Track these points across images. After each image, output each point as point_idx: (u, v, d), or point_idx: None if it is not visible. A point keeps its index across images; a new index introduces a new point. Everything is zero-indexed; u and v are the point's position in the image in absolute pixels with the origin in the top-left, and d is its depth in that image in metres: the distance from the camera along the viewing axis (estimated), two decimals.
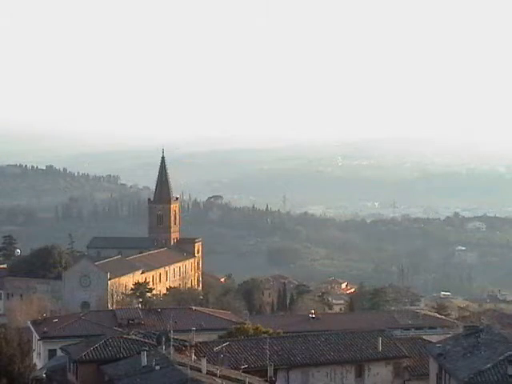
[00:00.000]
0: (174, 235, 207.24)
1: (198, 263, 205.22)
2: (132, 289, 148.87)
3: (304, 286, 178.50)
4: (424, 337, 72.68)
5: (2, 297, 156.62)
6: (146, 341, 58.53)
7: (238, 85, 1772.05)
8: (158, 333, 59.80)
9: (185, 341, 57.50)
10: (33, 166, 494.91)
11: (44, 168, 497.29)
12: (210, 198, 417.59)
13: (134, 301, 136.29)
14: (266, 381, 54.86)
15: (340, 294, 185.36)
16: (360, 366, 62.72)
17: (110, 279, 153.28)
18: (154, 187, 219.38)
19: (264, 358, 58.04)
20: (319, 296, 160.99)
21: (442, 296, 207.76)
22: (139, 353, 53.54)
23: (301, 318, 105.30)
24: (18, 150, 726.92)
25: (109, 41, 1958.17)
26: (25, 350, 64.45)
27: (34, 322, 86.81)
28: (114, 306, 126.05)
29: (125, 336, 60.32)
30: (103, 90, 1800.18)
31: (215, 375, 49.65)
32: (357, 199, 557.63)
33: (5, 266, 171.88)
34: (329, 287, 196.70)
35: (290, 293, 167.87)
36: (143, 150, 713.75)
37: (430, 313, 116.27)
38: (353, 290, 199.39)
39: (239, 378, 51.15)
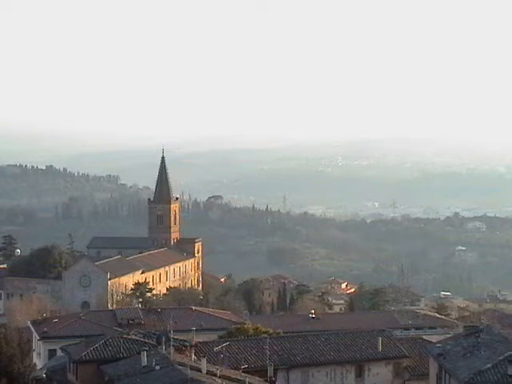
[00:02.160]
0: (174, 235, 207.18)
1: (198, 263, 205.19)
2: (132, 289, 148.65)
3: (304, 286, 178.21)
4: (424, 337, 72.44)
5: (2, 297, 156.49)
6: (146, 341, 58.37)
7: (237, 85, 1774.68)
8: (158, 333, 59.72)
9: (185, 341, 57.39)
10: (33, 166, 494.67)
11: (44, 168, 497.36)
12: (210, 197, 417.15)
13: (134, 301, 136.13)
14: (266, 381, 54.80)
15: (340, 294, 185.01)
16: (360, 366, 62.66)
17: (110, 279, 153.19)
18: (154, 187, 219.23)
19: (264, 358, 57.97)
20: (319, 296, 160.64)
21: (442, 296, 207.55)
22: (139, 353, 53.45)
23: (301, 318, 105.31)
24: (18, 150, 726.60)
25: (109, 41, 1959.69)
26: (25, 350, 64.41)
27: (34, 322, 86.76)
28: (114, 306, 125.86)
29: (125, 336, 60.14)
30: (103, 90, 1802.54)
31: (215, 375, 49.59)
32: (357, 199, 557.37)
33: (5, 265, 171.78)
34: (329, 287, 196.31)
35: (290, 293, 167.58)
36: (143, 149, 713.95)
37: (430, 313, 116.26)
38: (353, 290, 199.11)
39: (239, 378, 51.12)
